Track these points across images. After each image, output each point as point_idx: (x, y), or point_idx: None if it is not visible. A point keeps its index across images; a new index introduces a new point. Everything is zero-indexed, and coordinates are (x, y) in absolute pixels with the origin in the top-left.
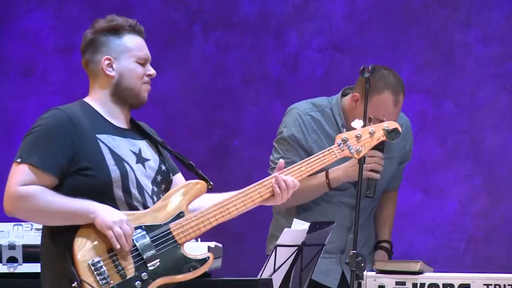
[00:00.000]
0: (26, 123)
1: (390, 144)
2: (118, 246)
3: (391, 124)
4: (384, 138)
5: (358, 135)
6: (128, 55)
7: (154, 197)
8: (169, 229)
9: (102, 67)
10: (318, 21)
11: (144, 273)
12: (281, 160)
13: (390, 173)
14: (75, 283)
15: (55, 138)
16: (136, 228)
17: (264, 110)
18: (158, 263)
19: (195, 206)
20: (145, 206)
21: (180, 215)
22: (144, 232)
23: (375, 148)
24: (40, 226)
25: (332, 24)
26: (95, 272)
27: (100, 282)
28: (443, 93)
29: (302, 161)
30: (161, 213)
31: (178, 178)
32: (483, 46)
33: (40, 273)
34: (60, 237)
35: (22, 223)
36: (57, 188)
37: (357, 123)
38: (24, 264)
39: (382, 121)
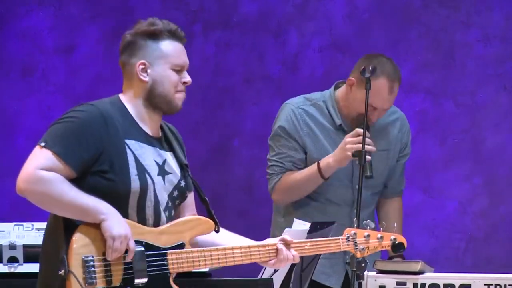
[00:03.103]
0: (26, 123)
1: (385, 135)
2: (110, 258)
3: (399, 238)
4: (389, 248)
5: (367, 236)
6: (163, 62)
7: (167, 212)
8: (166, 255)
9: (136, 72)
10: (318, 21)
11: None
12: (287, 236)
13: (388, 166)
14: (62, 270)
15: (85, 134)
16: (137, 242)
17: (264, 110)
18: (144, 283)
19: (206, 239)
20: (156, 220)
21: (180, 245)
22: (143, 249)
23: (358, 126)
24: (41, 227)
25: (332, 24)
26: (85, 269)
27: (86, 280)
28: (443, 93)
29: (307, 240)
30: (164, 237)
31: (189, 198)
32: (483, 46)
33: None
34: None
35: (23, 223)
36: (74, 182)
37: (369, 224)
38: (24, 264)
39: (375, 108)
